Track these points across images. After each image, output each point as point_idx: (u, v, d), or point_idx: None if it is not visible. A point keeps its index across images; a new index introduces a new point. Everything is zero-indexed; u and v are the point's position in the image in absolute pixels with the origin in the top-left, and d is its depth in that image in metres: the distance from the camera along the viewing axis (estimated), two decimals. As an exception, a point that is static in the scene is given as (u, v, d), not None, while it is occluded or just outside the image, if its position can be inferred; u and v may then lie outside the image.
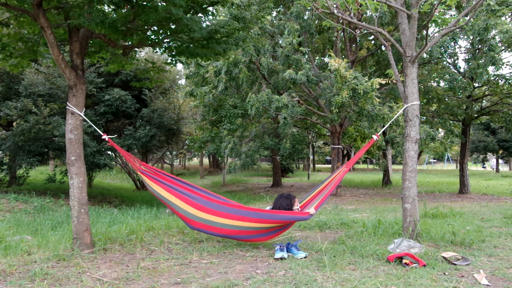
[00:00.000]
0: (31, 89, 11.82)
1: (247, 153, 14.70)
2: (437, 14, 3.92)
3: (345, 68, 9.48)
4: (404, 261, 3.14)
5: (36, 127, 10.97)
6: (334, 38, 13.11)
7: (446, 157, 45.77)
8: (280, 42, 12.64)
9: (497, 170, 31.73)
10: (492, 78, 12.05)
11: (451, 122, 14.17)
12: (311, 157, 32.68)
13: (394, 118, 5.35)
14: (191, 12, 4.07)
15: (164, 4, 3.65)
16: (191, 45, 4.40)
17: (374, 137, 4.08)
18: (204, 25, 4.45)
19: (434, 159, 53.48)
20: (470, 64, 11.33)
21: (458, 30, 10.66)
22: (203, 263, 3.29)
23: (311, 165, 32.82)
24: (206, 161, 37.83)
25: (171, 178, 3.95)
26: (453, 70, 12.72)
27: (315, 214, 4.23)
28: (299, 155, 22.52)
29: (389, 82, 10.07)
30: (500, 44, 10.92)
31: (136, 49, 5.09)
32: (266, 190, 16.45)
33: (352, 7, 4.13)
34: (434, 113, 13.97)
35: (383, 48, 12.18)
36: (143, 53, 17.66)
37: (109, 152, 13.46)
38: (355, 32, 11.88)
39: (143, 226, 4.84)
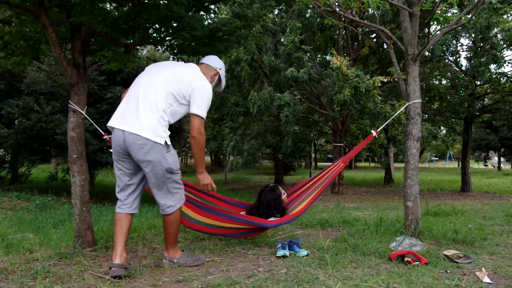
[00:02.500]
0: (33, 87, 11.81)
1: (249, 151, 14.69)
2: (439, 12, 3.91)
3: (347, 66, 9.46)
4: (406, 259, 3.14)
5: (38, 125, 10.96)
6: (336, 36, 13.08)
7: (448, 155, 45.70)
8: (282, 40, 12.62)
9: (499, 168, 31.68)
10: (494, 76, 12.02)
11: (453, 120, 14.16)
12: (313, 155, 32.65)
13: (394, 115, 5.33)
14: (193, 10, 4.07)
15: (166, 2, 3.65)
16: (193, 43, 4.39)
17: (373, 132, 4.00)
18: (206, 23, 4.44)
19: (436, 157, 53.41)
20: (472, 62, 11.31)
21: (460, 28, 10.62)
22: (205, 261, 3.29)
23: (313, 163, 32.82)
24: (208, 159, 37.86)
25: None
26: (455, 68, 12.70)
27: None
28: (301, 153, 22.53)
29: (391, 80, 10.06)
30: (502, 42, 10.89)
31: (138, 47, 5.09)
32: (268, 188, 16.40)
33: (354, 5, 4.12)
34: (436, 111, 13.95)
35: (385, 46, 12.15)
36: (145, 51, 17.64)
37: (111, 150, 13.47)
38: (357, 30, 11.92)
39: (145, 224, 4.85)
